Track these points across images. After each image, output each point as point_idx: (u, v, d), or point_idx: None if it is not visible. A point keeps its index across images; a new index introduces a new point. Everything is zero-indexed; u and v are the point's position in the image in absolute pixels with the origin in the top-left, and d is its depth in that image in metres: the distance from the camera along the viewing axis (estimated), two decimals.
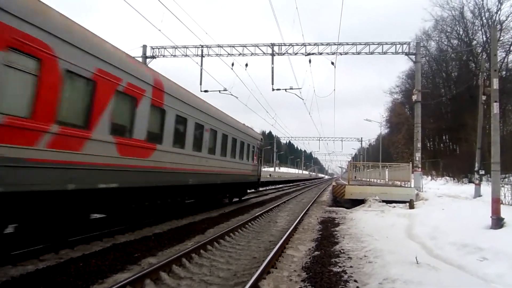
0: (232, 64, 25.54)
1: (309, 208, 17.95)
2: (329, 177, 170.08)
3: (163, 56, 27.64)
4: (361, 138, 74.62)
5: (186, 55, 27.03)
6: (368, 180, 35.82)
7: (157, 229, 9.93)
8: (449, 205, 14.97)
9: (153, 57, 27.67)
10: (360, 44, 25.18)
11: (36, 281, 5.32)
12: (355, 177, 37.22)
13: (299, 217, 13.61)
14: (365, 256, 7.47)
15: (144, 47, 27.69)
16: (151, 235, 9.01)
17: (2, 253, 6.02)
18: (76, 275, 5.72)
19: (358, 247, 8.45)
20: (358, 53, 25.18)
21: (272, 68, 25.64)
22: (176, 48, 27.08)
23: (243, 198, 21.69)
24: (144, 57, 27.28)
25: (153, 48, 27.77)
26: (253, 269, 6.44)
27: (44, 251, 6.84)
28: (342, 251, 8.14)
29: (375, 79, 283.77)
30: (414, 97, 23.88)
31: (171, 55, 27.48)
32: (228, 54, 26.26)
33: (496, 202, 10.00)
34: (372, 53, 25.07)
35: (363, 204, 18.41)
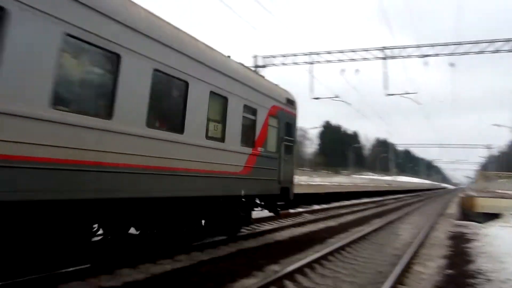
0: (342, 70, 24.97)
1: (435, 220, 16.39)
2: (453, 187, 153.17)
3: (274, 64, 28.23)
4: (490, 145, 65.49)
5: (295, 63, 27.19)
6: (502, 192, 31.42)
7: (278, 237, 9.96)
8: None
9: (264, 66, 28.49)
10: (482, 42, 22.14)
11: (172, 279, 5.73)
12: (486, 188, 32.98)
13: (425, 231, 12.44)
14: (508, 279, 6.65)
15: (255, 57, 28.71)
16: (272, 242, 9.06)
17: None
18: (207, 277, 6.00)
19: (498, 268, 7.59)
20: (482, 52, 22.18)
21: (385, 72, 24.38)
22: (286, 56, 27.46)
23: (240, 234, 9.56)
24: (255, 66, 28.24)
25: (264, 58, 28.59)
26: (379, 284, 5.98)
27: (176, 251, 7.33)
28: (479, 271, 7.40)
29: (501, 79, 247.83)
30: None
31: (281, 63, 27.92)
32: (338, 60, 25.64)
33: None
34: (498, 51, 21.79)
35: (497, 219, 16.21)
